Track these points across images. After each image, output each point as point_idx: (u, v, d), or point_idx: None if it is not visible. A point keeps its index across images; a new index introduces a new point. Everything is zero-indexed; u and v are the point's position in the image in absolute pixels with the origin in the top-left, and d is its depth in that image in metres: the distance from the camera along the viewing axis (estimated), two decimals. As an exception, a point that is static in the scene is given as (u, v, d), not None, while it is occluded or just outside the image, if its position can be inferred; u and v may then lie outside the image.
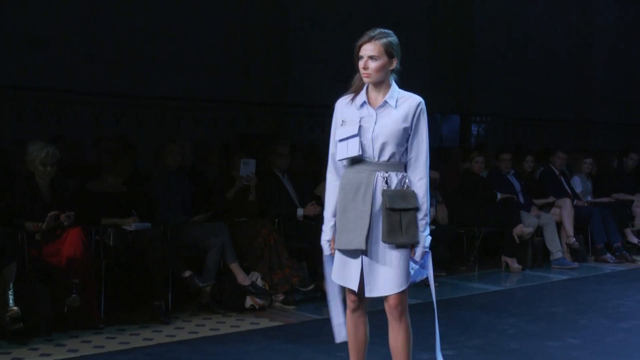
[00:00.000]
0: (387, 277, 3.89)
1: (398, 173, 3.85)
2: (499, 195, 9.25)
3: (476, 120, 14.64)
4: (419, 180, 3.88)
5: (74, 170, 7.57)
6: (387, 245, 3.81)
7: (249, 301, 6.77)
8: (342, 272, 3.89)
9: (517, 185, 9.57)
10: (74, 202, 6.31)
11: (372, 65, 3.86)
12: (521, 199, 9.46)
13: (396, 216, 3.77)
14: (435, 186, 8.75)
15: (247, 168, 7.37)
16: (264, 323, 6.36)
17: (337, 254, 3.88)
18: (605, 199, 10.65)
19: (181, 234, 6.88)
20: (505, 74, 14.62)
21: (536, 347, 5.57)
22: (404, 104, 3.90)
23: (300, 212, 7.67)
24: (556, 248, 9.29)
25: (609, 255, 9.68)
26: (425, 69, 13.39)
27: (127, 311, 6.52)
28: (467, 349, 5.48)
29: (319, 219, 7.51)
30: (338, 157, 3.87)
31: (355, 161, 3.84)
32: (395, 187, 3.81)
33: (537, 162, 10.42)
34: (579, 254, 9.59)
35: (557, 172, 10.23)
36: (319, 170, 8.35)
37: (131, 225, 6.55)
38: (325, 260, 4.00)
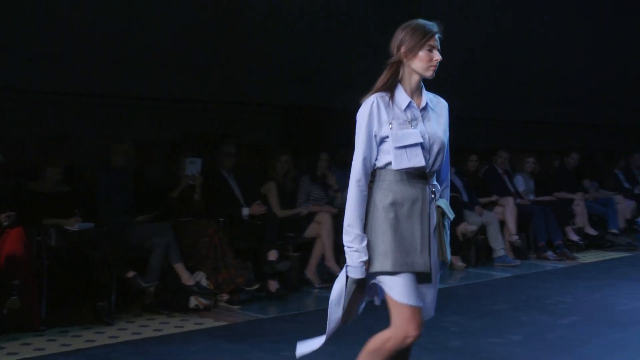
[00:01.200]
0: (432, 298, 3.63)
1: (436, 183, 3.50)
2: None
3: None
4: (445, 188, 3.61)
5: (14, 170, 7.44)
6: (434, 264, 3.48)
7: (193, 301, 6.74)
8: (415, 292, 3.44)
9: (460, 184, 9.69)
10: (15, 202, 6.21)
11: (439, 59, 3.52)
12: (465, 198, 9.58)
13: (447, 231, 3.51)
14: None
15: (192, 167, 7.34)
16: (209, 323, 6.34)
17: (399, 276, 3.36)
18: (546, 198, 10.84)
19: (125, 234, 6.82)
20: (450, 75, 14.75)
21: (479, 344, 5.65)
22: (437, 106, 3.60)
23: (245, 211, 7.66)
24: (499, 246, 9.42)
25: (550, 252, 9.86)
26: (372, 69, 13.44)
27: (70, 312, 6.43)
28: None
29: (264, 218, 7.55)
30: (397, 167, 3.35)
31: (406, 171, 3.38)
32: (440, 198, 3.49)
33: (480, 161, 10.54)
34: (521, 251, 9.75)
35: (500, 171, 10.38)
36: (265, 169, 8.37)
37: (74, 225, 6.48)
38: (348, 282, 3.49)
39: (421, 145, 3.37)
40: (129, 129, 9.62)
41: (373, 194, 3.41)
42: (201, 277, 6.88)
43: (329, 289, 7.71)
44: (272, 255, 7.30)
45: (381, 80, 3.55)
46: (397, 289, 3.38)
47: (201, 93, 10.75)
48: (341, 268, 7.90)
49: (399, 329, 3.49)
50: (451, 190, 9.49)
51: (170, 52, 10.38)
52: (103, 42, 9.67)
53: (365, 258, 3.34)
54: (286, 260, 7.48)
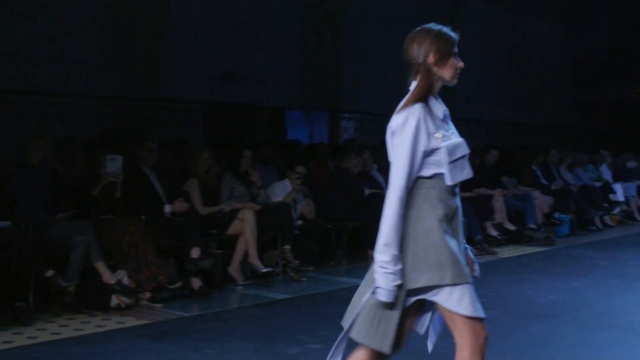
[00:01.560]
0: None
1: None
2: (367, 191, 9.43)
3: (345, 117, 14.84)
4: None
5: None
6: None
7: (114, 300, 6.65)
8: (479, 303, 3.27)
9: (382, 180, 9.78)
10: None
11: (462, 66, 3.42)
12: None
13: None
14: (303, 182, 8.84)
15: (113, 164, 7.23)
16: (130, 322, 6.25)
17: (460, 288, 3.17)
18: (467, 194, 11.00)
19: (44, 233, 6.67)
20: (374, 72, 14.88)
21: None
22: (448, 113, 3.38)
23: (167, 208, 7.58)
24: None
25: (470, 248, 10.01)
26: (295, 66, 13.47)
27: (-14, 313, 6.27)
28: (334, 343, 5.54)
29: (186, 216, 7.48)
30: (452, 181, 3.20)
31: (446, 185, 3.22)
32: None
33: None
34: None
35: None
36: (187, 166, 8.30)
37: (-10, 223, 6.31)
38: (378, 305, 3.23)
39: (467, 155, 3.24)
40: (48, 126, 9.43)
41: (414, 205, 3.18)
42: (122, 276, 6.78)
43: (252, 286, 7.72)
44: (195, 252, 7.24)
45: (420, 88, 3.30)
46: (464, 303, 3.18)
47: (122, 90, 10.61)
48: (265, 265, 7.91)
49: (474, 346, 3.29)
50: (373, 187, 9.59)
51: (92, 49, 10.21)
52: (21, 39, 9.46)
53: (400, 282, 3.11)
54: (209, 258, 7.43)
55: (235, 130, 11.71)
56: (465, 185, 11.08)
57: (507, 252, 10.36)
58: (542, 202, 11.83)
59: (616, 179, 14.82)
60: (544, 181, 12.89)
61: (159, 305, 6.85)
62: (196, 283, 7.26)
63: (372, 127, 15.22)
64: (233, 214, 8.04)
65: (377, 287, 3.17)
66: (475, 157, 11.95)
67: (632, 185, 14.76)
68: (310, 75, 13.64)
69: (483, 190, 11.22)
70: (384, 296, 3.14)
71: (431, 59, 3.32)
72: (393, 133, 3.20)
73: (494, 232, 10.74)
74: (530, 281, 8.16)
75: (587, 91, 22.65)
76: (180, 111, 11.42)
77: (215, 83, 11.69)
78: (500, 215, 11.09)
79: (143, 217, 7.36)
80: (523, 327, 6.15)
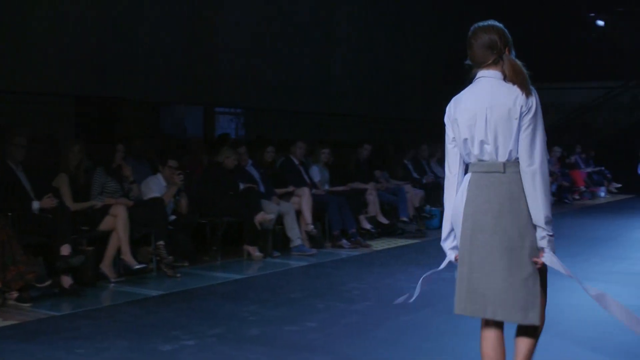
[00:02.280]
0: None
1: None
2: (242, 186, 9.41)
3: (220, 112, 14.75)
4: None
5: None
6: None
7: (-21, 300, 6.40)
8: None
9: (257, 175, 9.79)
10: None
11: None
12: (262, 188, 9.68)
13: None
14: (186, 177, 8.77)
15: (-23, 159, 6.94)
16: (-3, 323, 6.04)
17: None
18: (341, 188, 11.16)
19: None
20: (247, 67, 14.84)
21: (276, 332, 5.74)
22: None
23: (36, 205, 7.34)
24: (296, 235, 9.59)
25: (344, 241, 10.15)
26: (170, 59, 13.28)
27: None
28: (208, 338, 5.53)
29: (56, 212, 7.26)
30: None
31: None
32: None
33: (277, 152, 10.69)
34: (317, 240, 9.98)
35: (296, 162, 10.57)
36: (57, 161, 8.06)
37: None
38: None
39: None
40: None
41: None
42: (-13, 275, 6.53)
43: (125, 283, 7.59)
44: (65, 249, 7.04)
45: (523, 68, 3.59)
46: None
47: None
48: (138, 261, 7.77)
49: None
50: (248, 182, 9.60)
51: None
52: None
53: None
54: (80, 255, 7.24)
55: (107, 125, 11.45)
56: (339, 179, 11.28)
57: (380, 244, 10.55)
58: (413, 195, 12.11)
59: (484, 172, 15.30)
60: (415, 175, 13.21)
61: (27, 304, 6.63)
62: (66, 281, 7.07)
63: (248, 122, 15.19)
64: (105, 210, 7.87)
65: (546, 255, 3.49)
66: (349, 152, 12.14)
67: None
68: (185, 70, 13.48)
69: (357, 184, 11.39)
70: (553, 262, 3.52)
71: (507, 49, 3.68)
72: (529, 106, 3.48)
73: (367, 225, 10.91)
74: (403, 273, 8.34)
75: (457, 87, 23.24)
76: (49, 105, 11.06)
77: (85, 76, 11.39)
78: (373, 208, 11.28)
79: (10, 214, 7.10)
80: (394, 317, 6.27)
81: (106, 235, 7.84)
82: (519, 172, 3.47)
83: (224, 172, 9.38)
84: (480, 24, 3.79)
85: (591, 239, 11.44)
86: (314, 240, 9.94)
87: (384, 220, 11.37)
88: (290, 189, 10.15)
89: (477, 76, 3.72)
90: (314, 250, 9.67)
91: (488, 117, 3.51)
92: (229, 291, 7.40)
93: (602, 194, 19.13)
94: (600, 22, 22.89)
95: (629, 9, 22.84)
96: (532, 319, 3.51)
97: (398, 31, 20.30)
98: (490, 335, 3.68)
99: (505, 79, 3.57)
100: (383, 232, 11.29)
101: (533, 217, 3.44)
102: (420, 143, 14.24)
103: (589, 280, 7.93)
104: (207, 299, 7.01)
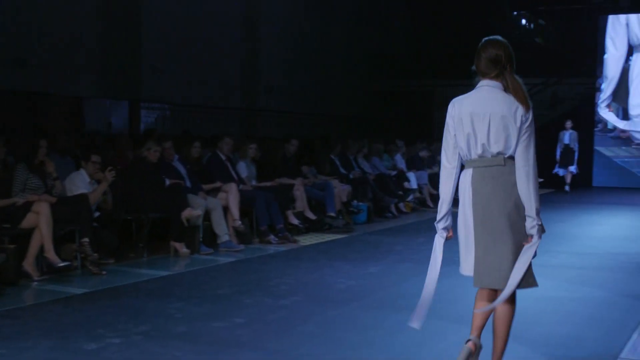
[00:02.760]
0: None
1: None
2: (167, 182, 9.33)
3: (145, 107, 14.60)
4: None
5: None
6: None
7: None
8: None
9: (183, 171, 9.72)
10: None
11: None
12: (188, 184, 9.62)
13: None
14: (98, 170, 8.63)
15: None
16: None
17: None
18: (268, 183, 11.15)
19: None
20: (174, 62, 14.72)
21: (203, 328, 5.72)
22: None
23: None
24: (223, 231, 9.55)
25: (272, 236, 10.15)
26: (95, 55, 13.09)
27: None
28: (135, 336, 5.47)
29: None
30: None
31: None
32: None
33: (204, 148, 10.62)
34: (244, 236, 9.96)
35: (223, 158, 10.52)
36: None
37: None
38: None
39: None
40: None
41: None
42: None
43: (49, 281, 7.45)
44: (-14, 248, 6.88)
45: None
46: None
47: None
48: (62, 259, 7.63)
49: None
50: (175, 177, 9.51)
51: None
52: None
53: None
54: (1, 253, 7.09)
55: (30, 120, 11.22)
56: (266, 175, 11.27)
57: (308, 240, 10.59)
58: (340, 190, 12.18)
59: (410, 167, 15.52)
60: (342, 170, 13.28)
61: None
62: (-13, 280, 6.91)
63: (174, 117, 15.07)
64: (27, 207, 7.70)
65: (533, 241, 4.17)
66: (276, 148, 12.13)
67: (424, 174, 15.50)
68: (109, 64, 13.29)
69: (284, 180, 11.39)
70: (532, 248, 4.17)
71: (509, 65, 4.24)
72: (527, 117, 4.13)
73: (295, 221, 10.93)
74: (330, 268, 8.39)
75: (382, 84, 23.52)
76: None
77: (6, 70, 11.14)
78: (301, 204, 11.31)
79: None
80: (322, 312, 6.32)
81: (28, 233, 7.67)
82: (514, 165, 4.13)
83: (149, 167, 9.27)
84: (490, 38, 4.32)
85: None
86: (241, 236, 9.91)
87: (311, 215, 11.41)
88: (217, 184, 10.09)
89: (480, 84, 4.28)
90: (242, 246, 9.64)
91: (491, 122, 4.12)
92: (155, 288, 7.33)
93: (567, 188, 19.64)
94: (523, 21, 23.40)
95: (549, 7, 23.38)
96: (531, 284, 4.27)
97: (323, 28, 20.39)
98: (484, 303, 4.37)
99: (505, 90, 4.18)
100: (310, 227, 11.32)
101: (526, 208, 4.13)
102: (347, 139, 14.32)
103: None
104: (133, 296, 6.93)
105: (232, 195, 9.88)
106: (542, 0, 23.26)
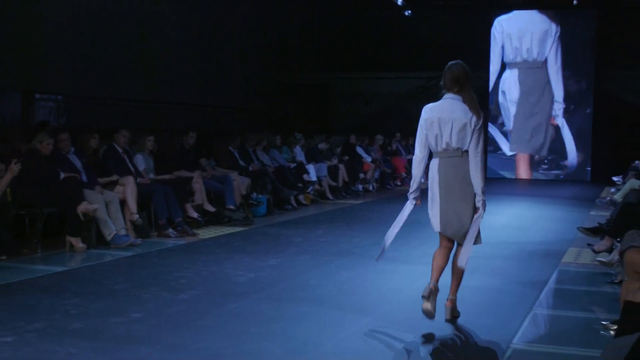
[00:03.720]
0: None
1: None
2: (62, 175, 9.10)
3: (39, 98, 14.20)
4: None
5: None
6: None
7: None
8: None
9: (79, 164, 9.50)
10: None
11: None
12: (84, 178, 9.41)
13: None
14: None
15: None
16: None
17: None
18: (167, 176, 11.03)
19: None
20: (70, 53, 14.37)
21: (100, 324, 5.61)
22: None
23: None
24: (120, 225, 9.38)
25: (171, 230, 10.04)
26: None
27: None
28: (28, 333, 5.33)
29: None
30: None
31: None
32: None
33: (101, 140, 10.41)
34: (142, 230, 9.81)
35: (120, 151, 10.34)
36: None
37: None
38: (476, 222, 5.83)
39: None
40: None
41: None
42: None
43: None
44: None
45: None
46: None
47: None
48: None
49: None
50: (69, 170, 9.26)
51: None
52: None
53: None
54: None
55: None
56: (164, 168, 11.13)
57: (207, 233, 10.51)
58: (240, 183, 12.14)
59: (309, 159, 15.60)
60: (241, 163, 13.24)
61: None
62: None
63: (69, 110, 14.71)
64: None
65: (479, 213, 5.75)
66: (174, 140, 11.99)
67: (323, 166, 15.61)
68: (1, 54, 12.87)
69: (183, 173, 11.28)
70: (479, 219, 5.74)
71: (467, 84, 5.79)
72: (478, 123, 5.67)
73: (194, 214, 10.83)
74: (230, 261, 8.35)
75: (282, 76, 23.56)
76: None
77: None
78: (199, 196, 11.22)
79: None
80: (221, 305, 6.29)
81: None
82: (468, 157, 5.67)
83: (42, 160, 9.02)
84: (454, 62, 5.84)
85: (410, 223, 11.84)
86: (139, 230, 9.76)
87: (210, 208, 11.34)
88: (114, 178, 9.91)
89: (445, 96, 5.80)
90: (139, 240, 9.49)
91: (453, 125, 5.66)
92: (50, 284, 7.14)
93: (422, 180, 19.90)
94: (407, 13, 23.77)
95: (444, 2, 23.86)
96: (478, 242, 5.83)
97: (221, 21, 20.27)
98: (444, 251, 5.92)
99: (464, 102, 5.70)
100: (210, 220, 11.25)
101: (475, 187, 5.67)
102: (246, 131, 14.28)
103: (408, 263, 8.27)
104: (27, 293, 6.74)
105: (129, 189, 9.72)
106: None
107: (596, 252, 8.21)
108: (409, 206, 6.13)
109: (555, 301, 6.87)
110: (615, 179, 16.08)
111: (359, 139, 18.71)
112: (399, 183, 19.35)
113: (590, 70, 21.89)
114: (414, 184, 5.97)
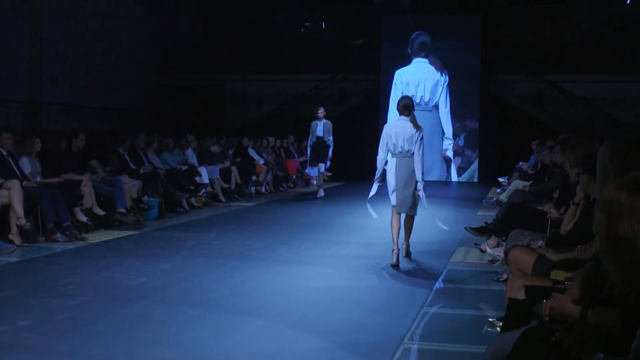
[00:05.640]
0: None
1: None
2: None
3: None
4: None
5: None
6: None
7: None
8: None
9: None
10: None
11: None
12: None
13: None
14: None
15: None
16: None
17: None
18: (54, 180, 10.74)
19: None
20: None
21: (-16, 333, 5.43)
22: None
23: None
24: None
25: (59, 234, 9.78)
26: None
27: None
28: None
29: None
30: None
31: None
32: None
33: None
34: (29, 234, 9.53)
35: (5, 154, 10.01)
36: None
37: None
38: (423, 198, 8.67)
39: None
40: None
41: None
42: None
43: None
44: None
45: None
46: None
47: None
48: None
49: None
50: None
51: None
52: None
53: None
54: None
55: None
56: (51, 170, 10.83)
57: (97, 237, 10.29)
58: (130, 186, 11.92)
59: (201, 162, 15.47)
60: (132, 165, 13.02)
61: None
62: None
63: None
64: None
65: (420, 193, 8.51)
66: (61, 141, 11.68)
67: (215, 168, 15.52)
68: None
69: (71, 176, 11.01)
70: (422, 198, 8.53)
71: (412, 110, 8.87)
72: (419, 135, 8.45)
73: (83, 218, 10.58)
74: (121, 265, 8.21)
75: (173, 77, 23.32)
76: None
77: None
78: (89, 200, 10.97)
79: None
80: (113, 310, 6.18)
81: None
82: (413, 157, 8.42)
83: None
84: (405, 96, 9.04)
85: (304, 224, 11.98)
86: (26, 235, 9.47)
87: (100, 211, 11.10)
88: (0, 181, 9.58)
89: (400, 117, 8.60)
90: (25, 245, 9.21)
91: (405, 137, 8.44)
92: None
93: (314, 182, 19.99)
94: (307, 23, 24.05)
95: (334, 6, 24.12)
96: (414, 213, 8.62)
97: (110, 19, 19.92)
98: (397, 217, 8.57)
99: (411, 121, 8.54)
100: (100, 224, 11.02)
101: (416, 177, 8.44)
102: (136, 133, 14.04)
103: (302, 264, 8.33)
104: None
105: (15, 192, 9.42)
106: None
107: (483, 252, 8.46)
108: (374, 187, 8.84)
109: (444, 299, 7.04)
110: (501, 179, 16.62)
111: (252, 140, 18.69)
112: (291, 185, 19.42)
113: (476, 73, 22.49)
114: (377, 174, 8.70)
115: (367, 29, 23.48)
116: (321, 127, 16.16)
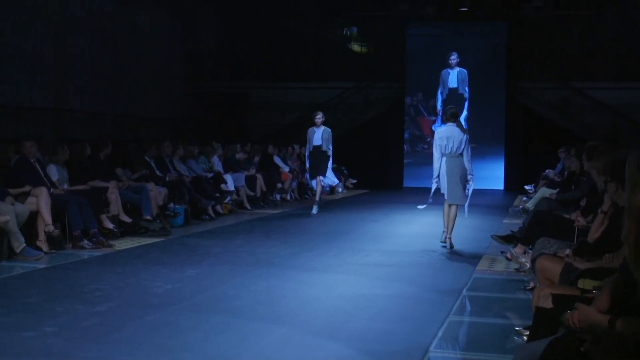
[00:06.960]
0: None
1: None
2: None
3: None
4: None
5: None
6: None
7: None
8: None
9: None
10: None
11: None
12: (-6, 189, 9.15)
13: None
14: None
15: None
16: None
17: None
18: (81, 187, 10.81)
19: None
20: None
21: (12, 339, 5.46)
22: None
23: None
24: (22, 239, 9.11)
25: (86, 241, 9.83)
26: None
27: None
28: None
29: None
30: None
31: None
32: None
33: (13, 151, 10.15)
34: (57, 241, 9.59)
35: (32, 161, 10.09)
36: None
37: None
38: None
39: None
40: None
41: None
42: None
43: None
44: None
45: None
46: None
47: None
48: None
49: None
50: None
51: None
52: None
53: None
54: None
55: None
56: (78, 178, 10.91)
57: (123, 244, 10.34)
58: (156, 193, 11.98)
59: (226, 169, 15.52)
60: (158, 173, 13.08)
61: None
62: None
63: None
64: None
65: (470, 184, 10.48)
66: (86, 149, 11.75)
67: (241, 176, 15.56)
68: None
69: (97, 183, 11.08)
70: (470, 190, 10.62)
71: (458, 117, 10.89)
72: (467, 139, 10.20)
73: (109, 225, 10.65)
74: (147, 272, 8.24)
75: (198, 85, 23.43)
76: None
77: None
78: (115, 207, 11.03)
79: None
80: (138, 317, 6.20)
81: None
82: (462, 157, 10.08)
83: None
84: (451, 106, 10.86)
85: (329, 232, 11.98)
86: (53, 241, 9.53)
87: (126, 219, 11.16)
88: (27, 188, 9.66)
89: (448, 123, 10.13)
90: (53, 252, 9.28)
91: (455, 140, 10.03)
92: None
93: (340, 190, 20.00)
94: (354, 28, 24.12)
95: (360, 14, 24.13)
96: (463, 202, 10.32)
97: (137, 29, 20.06)
98: (447, 206, 10.12)
99: (458, 127, 10.10)
100: (126, 231, 11.08)
101: (468, 169, 10.15)
102: (162, 140, 14.11)
103: (327, 272, 8.32)
104: None
105: (43, 200, 9.49)
106: (353, 6, 23.98)
107: (509, 260, 8.40)
108: (434, 185, 10.30)
109: (470, 308, 7.00)
110: (527, 187, 16.52)
111: (277, 148, 18.73)
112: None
113: (501, 81, 22.38)
114: (435, 173, 10.20)
115: (391, 36, 23.45)
116: (319, 135, 14.40)
